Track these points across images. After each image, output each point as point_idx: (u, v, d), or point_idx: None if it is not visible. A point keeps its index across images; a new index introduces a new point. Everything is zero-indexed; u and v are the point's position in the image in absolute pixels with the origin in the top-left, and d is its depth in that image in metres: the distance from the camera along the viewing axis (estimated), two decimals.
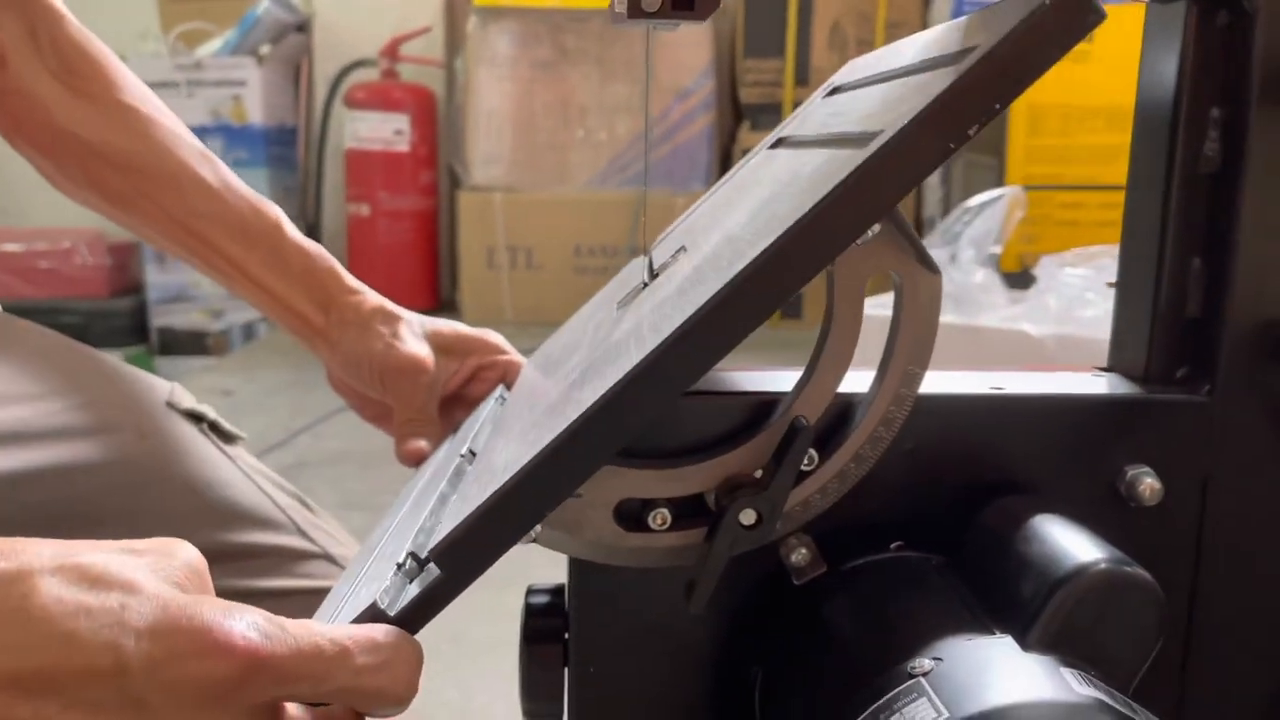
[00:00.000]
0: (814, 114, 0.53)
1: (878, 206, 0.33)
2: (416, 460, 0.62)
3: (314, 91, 3.34)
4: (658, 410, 0.34)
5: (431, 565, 0.34)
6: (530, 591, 0.45)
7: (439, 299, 3.28)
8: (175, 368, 2.97)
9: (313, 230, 3.27)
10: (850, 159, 0.33)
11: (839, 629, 0.39)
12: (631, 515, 0.40)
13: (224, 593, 0.69)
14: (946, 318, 1.35)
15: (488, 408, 0.56)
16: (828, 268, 0.37)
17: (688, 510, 0.40)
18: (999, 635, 0.34)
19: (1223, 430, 0.41)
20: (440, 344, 0.66)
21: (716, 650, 0.43)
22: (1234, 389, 0.41)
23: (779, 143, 0.54)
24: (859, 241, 0.35)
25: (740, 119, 2.98)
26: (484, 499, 0.33)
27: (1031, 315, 1.27)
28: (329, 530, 0.70)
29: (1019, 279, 1.49)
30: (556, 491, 0.34)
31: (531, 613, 0.44)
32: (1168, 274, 0.42)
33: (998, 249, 1.38)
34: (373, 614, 0.33)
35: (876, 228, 0.35)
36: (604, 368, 0.37)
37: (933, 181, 2.63)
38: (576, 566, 0.42)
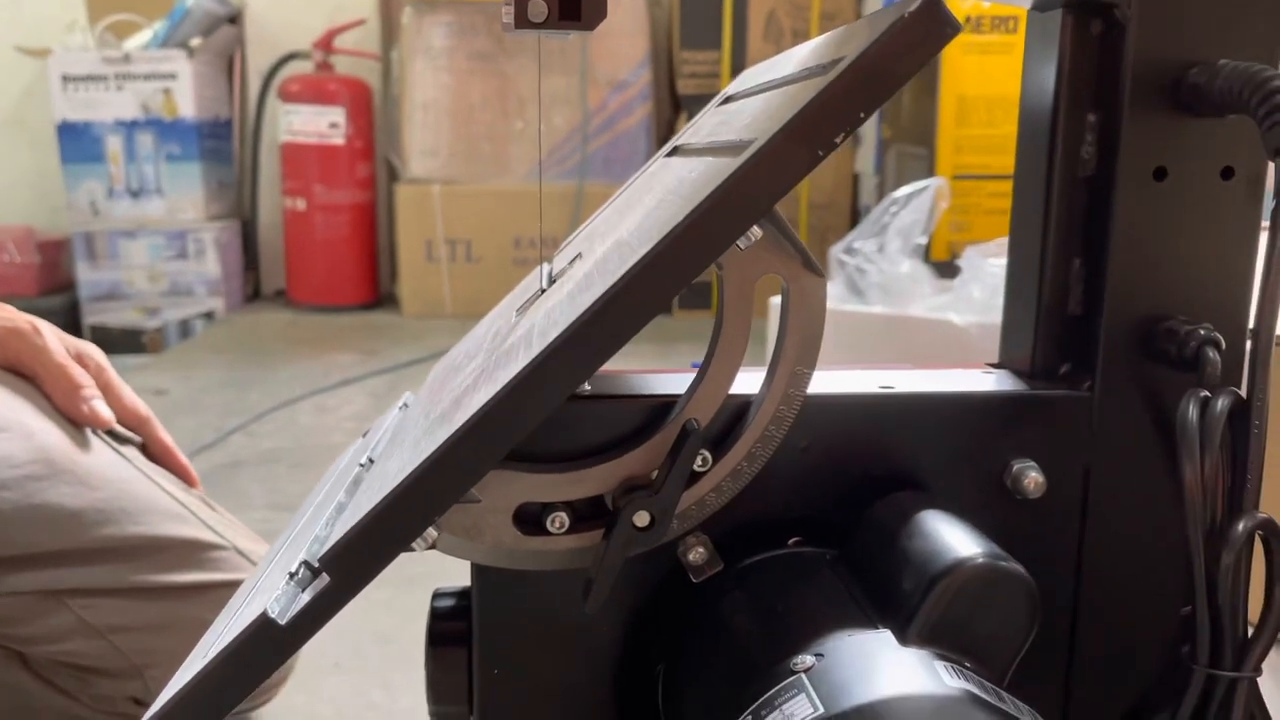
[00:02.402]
0: (706, 123, 0.54)
1: (751, 211, 0.34)
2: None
3: (247, 84, 3.29)
4: (544, 413, 0.34)
5: (321, 573, 0.34)
6: (436, 595, 0.46)
7: (378, 293, 3.25)
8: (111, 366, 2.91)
9: (249, 225, 3.22)
10: (725, 168, 0.34)
11: (732, 626, 0.40)
12: (530, 519, 0.41)
13: (138, 589, 0.69)
14: (875, 308, 1.37)
15: (391, 415, 0.56)
16: (717, 273, 0.38)
17: (586, 513, 0.41)
18: (880, 630, 0.35)
19: (1102, 424, 0.43)
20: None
21: (620, 649, 0.44)
22: (1113, 384, 0.43)
23: (674, 151, 0.55)
24: (742, 246, 0.35)
25: (679, 110, 2.99)
26: (372, 506, 0.34)
27: (956, 305, 1.29)
28: (233, 525, 0.70)
29: (949, 267, 1.52)
30: (443, 497, 0.34)
31: (436, 615, 0.45)
32: (1050, 273, 0.44)
33: (924, 239, 1.40)
34: (263, 622, 0.33)
35: (758, 232, 0.36)
36: (496, 373, 0.37)
37: (868, 171, 2.66)
38: (479, 569, 0.43)
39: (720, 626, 0.40)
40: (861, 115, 0.33)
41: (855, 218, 2.72)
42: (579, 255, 0.48)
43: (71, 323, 2.94)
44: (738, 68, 2.82)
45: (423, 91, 2.97)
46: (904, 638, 0.35)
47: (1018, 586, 0.36)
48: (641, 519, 0.38)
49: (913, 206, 1.40)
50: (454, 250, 2.98)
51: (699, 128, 0.54)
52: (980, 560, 0.35)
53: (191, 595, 0.65)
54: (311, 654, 0.85)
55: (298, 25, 3.18)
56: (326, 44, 3.08)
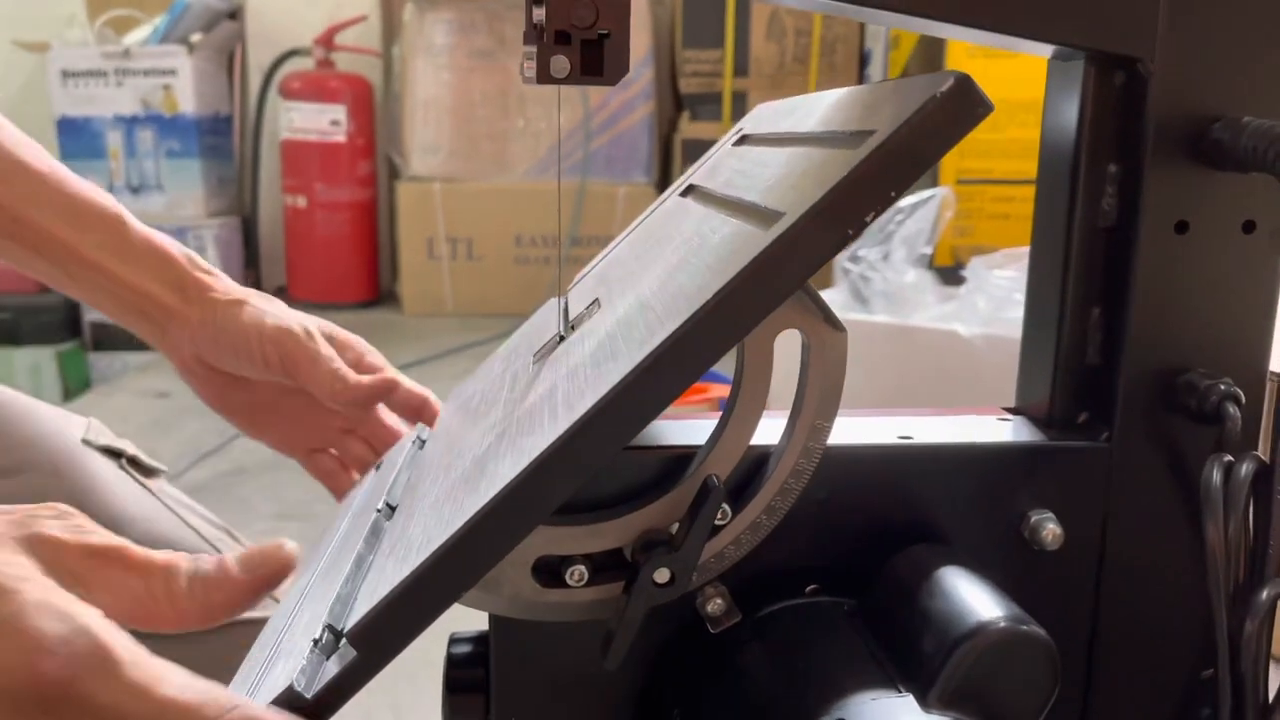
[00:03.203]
0: (723, 164, 0.54)
1: (780, 291, 0.34)
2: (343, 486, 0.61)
3: (248, 81, 3.28)
4: (571, 488, 0.34)
5: (346, 644, 0.34)
6: (453, 640, 0.46)
7: (379, 291, 3.25)
8: (110, 363, 2.91)
9: (249, 222, 3.22)
10: (753, 240, 0.34)
11: (751, 680, 0.40)
12: (549, 571, 0.40)
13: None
14: (879, 317, 1.37)
15: (406, 448, 0.56)
16: None
17: (605, 564, 0.40)
18: (902, 693, 0.35)
19: (1121, 476, 0.43)
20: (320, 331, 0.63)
21: (636, 698, 0.44)
22: (1131, 436, 0.42)
23: (690, 190, 0.54)
24: None
25: (680, 108, 2.98)
26: (399, 581, 0.34)
27: (962, 315, 1.29)
28: None
29: (952, 273, 1.52)
30: (470, 573, 0.34)
31: (454, 663, 0.45)
32: (1069, 322, 0.44)
33: (929, 249, 1.40)
34: (289, 698, 0.33)
35: None
36: (519, 439, 0.37)
37: None
38: (497, 619, 0.43)
39: (739, 679, 0.40)
40: (892, 195, 0.33)
41: None
42: (596, 301, 0.48)
43: (71, 320, 2.94)
44: (740, 66, 2.81)
45: (424, 89, 2.97)
46: (925, 701, 0.35)
47: (1039, 650, 0.36)
48: (662, 575, 0.38)
49: (918, 215, 1.40)
50: (455, 248, 2.98)
51: (716, 169, 0.54)
52: (1002, 624, 0.35)
53: (212, 634, 0.65)
54: None
55: (298, 21, 3.17)
56: (327, 40, 3.08)
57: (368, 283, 3.20)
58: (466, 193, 2.98)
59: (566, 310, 0.51)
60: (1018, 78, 2.01)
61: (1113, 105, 0.42)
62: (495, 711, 0.43)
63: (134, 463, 0.66)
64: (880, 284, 1.39)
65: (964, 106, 0.32)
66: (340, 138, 3.05)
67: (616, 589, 0.40)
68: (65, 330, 2.93)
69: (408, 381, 0.64)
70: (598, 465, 0.34)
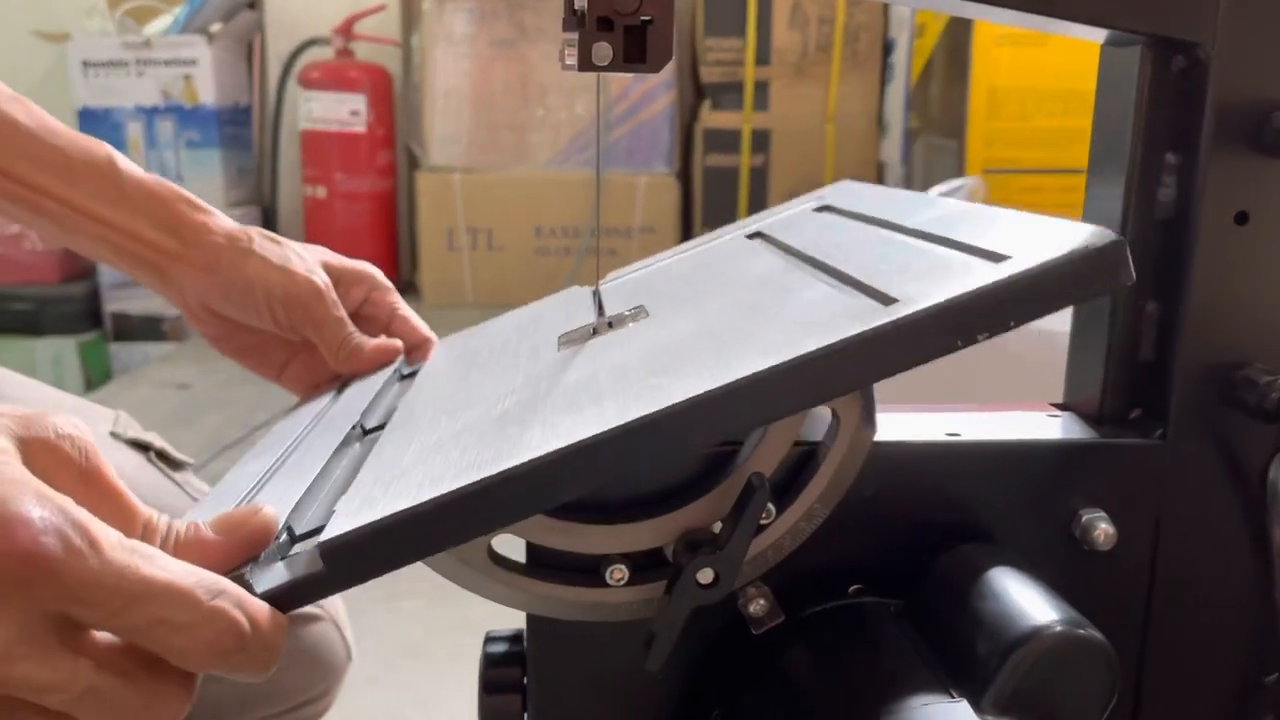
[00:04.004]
0: (804, 225, 0.53)
1: (876, 372, 0.33)
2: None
3: (267, 71, 3.28)
4: (593, 485, 0.34)
5: (307, 548, 0.33)
6: (488, 639, 0.45)
7: (399, 281, 3.25)
8: (131, 354, 2.92)
9: (269, 212, 3.22)
10: (861, 313, 0.34)
11: (798, 684, 0.39)
12: (589, 570, 0.40)
13: None
14: None
15: (383, 379, 0.55)
16: None
17: (645, 563, 0.40)
18: (955, 699, 0.34)
19: (1175, 474, 0.41)
20: (327, 272, 0.62)
21: (677, 699, 0.43)
22: (1186, 433, 0.41)
23: (758, 235, 0.54)
24: None
25: (702, 98, 2.96)
26: (393, 511, 0.32)
27: None
28: None
29: None
30: (474, 527, 0.33)
31: (490, 662, 0.44)
32: (1122, 317, 0.42)
33: None
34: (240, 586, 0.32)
35: None
36: (553, 415, 0.36)
37: (894, 160, 2.63)
38: (533, 618, 0.42)
39: (783, 683, 0.39)
40: (1012, 324, 0.32)
41: None
42: (641, 308, 0.48)
43: (92, 310, 2.95)
44: (762, 55, 2.79)
45: (444, 78, 2.96)
46: (979, 707, 0.34)
47: (1097, 655, 0.34)
48: (705, 576, 0.37)
49: None
50: (475, 239, 2.97)
51: (795, 226, 0.54)
52: (1059, 628, 0.34)
53: None
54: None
55: (317, 11, 3.16)
56: (347, 30, 3.07)
57: (387, 273, 3.18)
58: (486, 183, 2.97)
59: (601, 304, 0.50)
60: (1046, 67, 1.99)
61: (1170, 92, 0.40)
62: (532, 713, 0.42)
63: (162, 456, 0.65)
64: None
65: (1112, 268, 0.33)
66: (360, 128, 3.04)
67: (657, 589, 0.39)
68: (87, 321, 2.95)
69: (416, 319, 0.63)
70: (636, 468, 0.34)
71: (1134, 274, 0.33)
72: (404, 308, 0.63)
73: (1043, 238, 0.34)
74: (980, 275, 0.33)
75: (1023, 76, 1.85)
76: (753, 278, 0.46)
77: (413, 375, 0.57)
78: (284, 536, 0.35)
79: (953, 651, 0.36)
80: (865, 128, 2.76)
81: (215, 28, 3.04)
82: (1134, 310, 0.42)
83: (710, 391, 0.32)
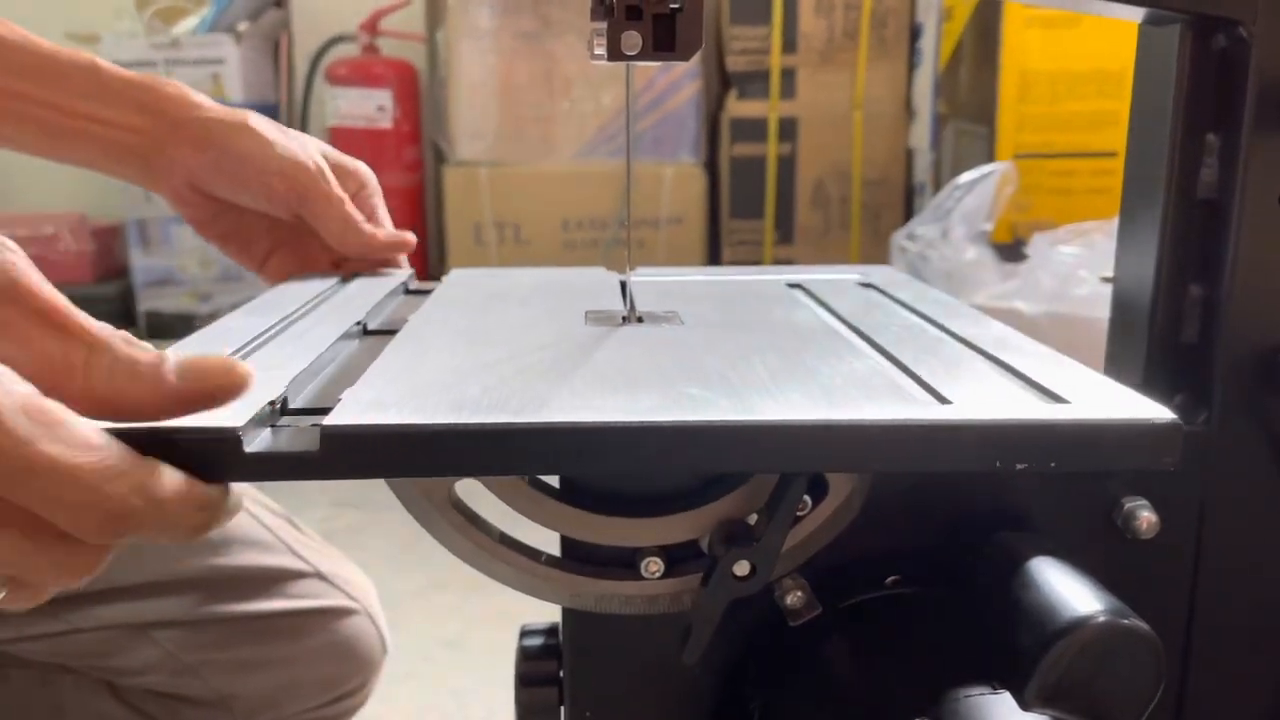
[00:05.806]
0: (846, 292, 0.55)
1: (910, 461, 0.33)
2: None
3: (294, 68, 3.30)
4: (620, 467, 0.35)
5: (298, 424, 0.33)
6: (524, 633, 0.45)
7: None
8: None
9: None
10: (908, 398, 0.35)
11: (837, 675, 0.39)
12: (624, 562, 0.39)
13: (221, 620, 0.68)
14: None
15: (388, 287, 0.55)
16: None
17: (681, 555, 0.39)
18: (997, 691, 0.34)
19: (1220, 459, 0.41)
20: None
21: (715, 691, 0.43)
22: (1230, 418, 0.41)
23: (799, 287, 0.56)
24: None
25: (728, 87, 2.95)
26: (409, 420, 0.32)
27: (1024, 293, 1.26)
28: (318, 548, 0.70)
29: (1011, 250, 1.48)
30: (489, 465, 0.33)
31: (526, 655, 0.44)
32: (1163, 300, 0.42)
33: (989, 225, 1.37)
34: (227, 436, 0.31)
35: None
36: (584, 388, 0.36)
37: (923, 147, 2.61)
38: (569, 611, 0.42)
39: (825, 673, 0.39)
40: (1053, 465, 0.33)
41: (909, 195, 2.68)
42: (675, 314, 0.48)
43: (126, 309, 2.98)
44: (789, 43, 2.78)
45: (469, 73, 2.96)
46: (1022, 699, 0.33)
47: (1142, 646, 0.34)
48: (742, 568, 0.37)
49: (977, 192, 1.37)
50: (503, 233, 2.98)
51: (838, 290, 0.55)
52: (1103, 618, 0.34)
53: (274, 625, 0.64)
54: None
55: (343, 7, 3.17)
56: (372, 26, 3.08)
57: (415, 268, 3.21)
58: (513, 177, 2.97)
59: (631, 297, 0.50)
60: (1076, 50, 1.96)
61: (1212, 72, 0.40)
62: (569, 706, 0.42)
63: None
64: (939, 262, 1.36)
65: (1161, 446, 0.33)
66: (387, 124, 3.05)
67: (693, 581, 0.39)
68: (120, 319, 2.98)
69: (391, 227, 0.63)
70: (665, 465, 0.34)
71: (1176, 465, 0.33)
72: (384, 212, 0.63)
73: (1099, 394, 0.35)
74: (1036, 408, 0.34)
75: (1054, 59, 1.82)
76: (799, 325, 0.47)
77: (418, 294, 0.58)
78: (271, 407, 0.34)
79: (994, 642, 0.36)
80: (894, 114, 2.74)
81: (242, 26, 3.06)
82: (1176, 293, 0.42)
83: (770, 422, 0.33)
